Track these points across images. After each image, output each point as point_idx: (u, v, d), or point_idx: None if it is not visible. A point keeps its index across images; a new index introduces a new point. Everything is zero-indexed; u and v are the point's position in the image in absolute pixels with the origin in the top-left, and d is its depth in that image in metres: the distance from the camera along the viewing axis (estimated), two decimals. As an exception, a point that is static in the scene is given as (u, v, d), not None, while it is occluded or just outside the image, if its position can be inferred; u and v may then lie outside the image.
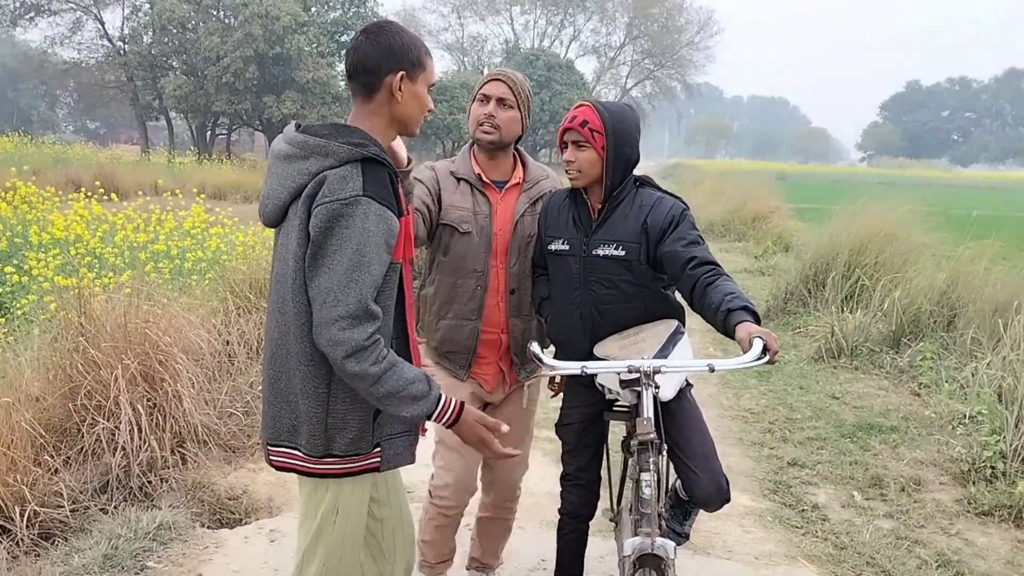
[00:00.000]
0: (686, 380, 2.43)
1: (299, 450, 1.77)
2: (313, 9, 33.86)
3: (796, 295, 7.60)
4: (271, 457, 1.82)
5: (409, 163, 1.95)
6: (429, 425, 1.88)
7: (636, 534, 2.08)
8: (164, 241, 6.29)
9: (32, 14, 34.26)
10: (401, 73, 1.76)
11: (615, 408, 2.45)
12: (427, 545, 2.62)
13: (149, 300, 4.07)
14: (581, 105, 2.34)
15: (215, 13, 32.34)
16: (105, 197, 9.13)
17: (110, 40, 34.83)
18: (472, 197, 2.44)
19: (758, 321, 2.01)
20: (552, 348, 2.57)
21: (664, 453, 2.31)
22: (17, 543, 2.98)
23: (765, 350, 1.92)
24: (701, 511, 2.57)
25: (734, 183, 19.83)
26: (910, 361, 5.68)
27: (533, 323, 2.58)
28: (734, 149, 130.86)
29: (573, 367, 2.15)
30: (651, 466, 2.10)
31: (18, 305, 5.11)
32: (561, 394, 2.62)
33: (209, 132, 36.28)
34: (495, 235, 2.44)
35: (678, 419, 2.33)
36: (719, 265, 2.17)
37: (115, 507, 3.31)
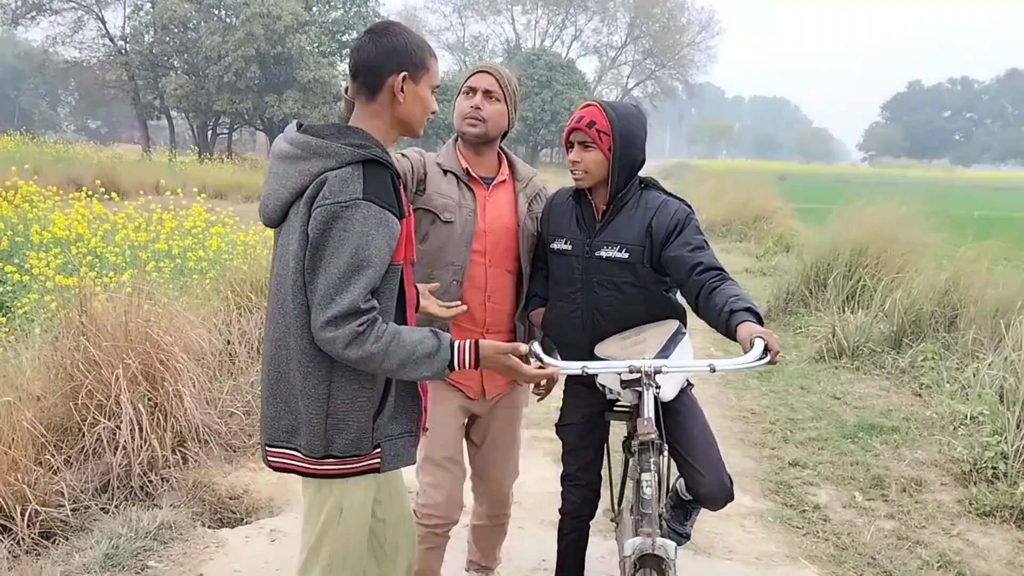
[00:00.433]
0: (687, 380, 2.42)
1: (298, 451, 1.77)
2: (315, 8, 33.89)
3: (797, 295, 7.59)
4: (269, 458, 1.82)
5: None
6: None
7: (637, 534, 2.08)
8: (165, 240, 6.28)
9: (33, 13, 34.30)
10: (403, 74, 1.75)
11: (616, 408, 2.44)
12: None
13: (150, 299, 4.06)
14: (588, 105, 2.31)
15: (216, 12, 32.38)
16: (106, 196, 9.12)
17: (111, 39, 34.83)
18: (458, 189, 2.37)
19: (760, 322, 2.01)
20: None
21: (665, 453, 2.31)
22: (18, 542, 2.98)
23: (766, 350, 1.91)
24: (702, 511, 2.57)
25: (735, 183, 19.81)
26: (911, 361, 5.68)
27: (522, 328, 2.51)
28: (735, 149, 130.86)
29: (574, 367, 2.14)
30: (652, 466, 2.10)
31: (19, 304, 5.11)
32: (563, 394, 2.61)
33: (210, 131, 36.30)
34: (482, 232, 2.37)
35: (680, 418, 2.33)
36: (724, 270, 2.17)
37: (116, 506, 3.31)
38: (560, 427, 2.57)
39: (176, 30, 32.21)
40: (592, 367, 2.14)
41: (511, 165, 2.50)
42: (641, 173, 2.39)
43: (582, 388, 2.48)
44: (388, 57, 1.74)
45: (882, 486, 3.94)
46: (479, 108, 2.33)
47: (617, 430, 2.57)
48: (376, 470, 1.80)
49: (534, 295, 2.48)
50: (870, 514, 3.67)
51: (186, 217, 7.35)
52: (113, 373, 3.55)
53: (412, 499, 2.31)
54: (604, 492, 2.62)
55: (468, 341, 1.78)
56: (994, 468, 3.87)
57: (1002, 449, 3.91)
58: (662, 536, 2.05)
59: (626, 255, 2.29)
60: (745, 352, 1.93)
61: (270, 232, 1.84)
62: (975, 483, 3.87)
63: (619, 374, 2.14)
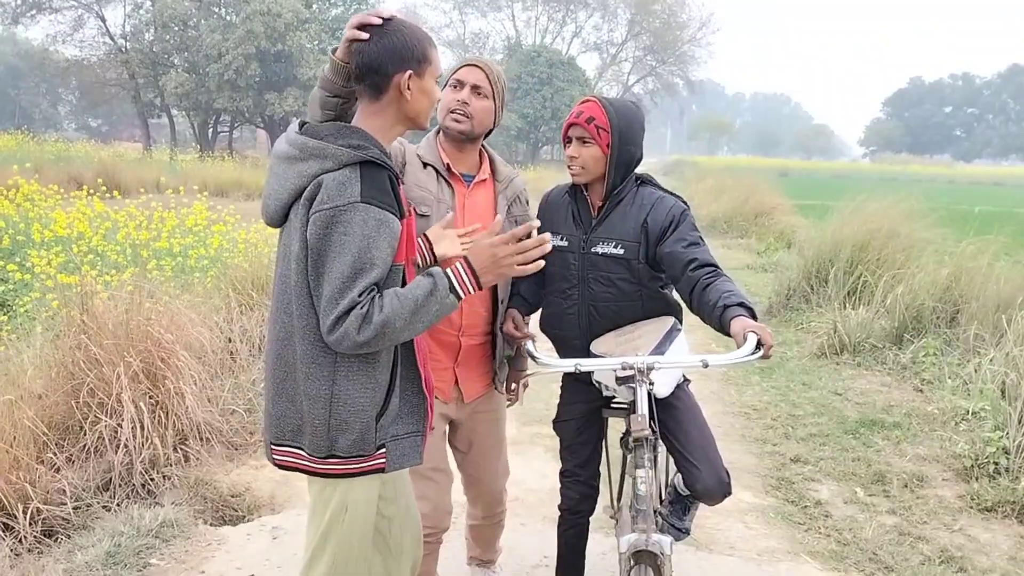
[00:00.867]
0: (683, 376, 2.42)
1: (303, 450, 1.77)
2: (315, 6, 33.82)
3: (799, 292, 7.58)
4: (274, 456, 1.82)
5: None
6: None
7: (633, 531, 2.08)
8: (166, 238, 6.29)
9: (34, 12, 34.23)
10: (409, 72, 1.73)
11: (613, 404, 2.44)
12: None
13: (151, 298, 4.07)
14: (587, 100, 2.30)
15: (216, 10, 32.36)
16: (107, 194, 9.14)
17: (112, 37, 34.81)
18: (437, 183, 2.28)
19: (754, 317, 2.01)
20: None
21: (663, 449, 2.31)
22: (20, 540, 2.98)
23: (759, 345, 1.91)
24: (702, 506, 2.57)
25: (736, 180, 19.79)
26: (913, 357, 5.68)
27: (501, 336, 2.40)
28: (736, 145, 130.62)
29: (567, 364, 2.13)
30: (646, 462, 2.10)
31: (21, 303, 5.12)
32: (560, 391, 2.60)
33: (211, 129, 36.30)
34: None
35: (676, 414, 2.33)
36: (718, 266, 2.17)
37: (118, 504, 3.31)
38: (557, 423, 2.57)
39: (176, 28, 32.20)
40: (585, 364, 2.13)
41: (492, 164, 2.42)
42: (640, 170, 2.39)
43: (579, 385, 2.47)
44: (391, 57, 1.71)
45: (884, 482, 3.94)
46: (466, 103, 2.24)
47: (617, 426, 2.57)
48: (381, 470, 1.79)
49: (517, 294, 2.43)
50: (872, 510, 3.67)
51: (187, 215, 7.37)
52: (114, 371, 3.55)
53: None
54: (604, 488, 2.62)
55: (459, 264, 1.77)
56: (996, 464, 3.87)
57: (1003, 444, 3.91)
58: (659, 532, 2.06)
59: (622, 251, 2.28)
60: (739, 347, 1.93)
61: (271, 230, 1.84)
62: (976, 479, 3.87)
63: (613, 371, 2.13)
